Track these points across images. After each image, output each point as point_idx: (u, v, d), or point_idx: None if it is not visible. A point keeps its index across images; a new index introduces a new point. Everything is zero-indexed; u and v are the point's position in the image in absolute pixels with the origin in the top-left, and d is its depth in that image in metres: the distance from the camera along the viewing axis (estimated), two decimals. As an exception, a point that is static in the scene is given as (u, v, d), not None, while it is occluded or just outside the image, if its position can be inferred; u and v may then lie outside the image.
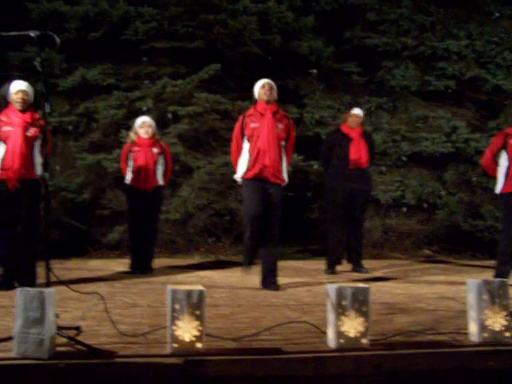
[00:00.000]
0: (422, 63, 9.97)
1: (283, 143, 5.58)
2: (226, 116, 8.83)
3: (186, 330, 3.23)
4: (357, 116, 6.83)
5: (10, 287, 5.26)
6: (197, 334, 3.24)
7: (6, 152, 5.22)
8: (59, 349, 3.25)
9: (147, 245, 6.72)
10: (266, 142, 5.40)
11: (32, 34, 3.72)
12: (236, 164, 5.66)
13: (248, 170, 5.52)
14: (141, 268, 6.57)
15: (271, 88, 5.54)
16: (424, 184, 9.31)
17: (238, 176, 5.60)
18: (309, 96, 9.60)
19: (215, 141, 9.04)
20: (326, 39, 9.84)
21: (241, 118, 5.65)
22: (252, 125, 5.48)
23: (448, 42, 9.85)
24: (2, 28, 8.63)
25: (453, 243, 9.16)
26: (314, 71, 9.87)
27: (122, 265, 6.77)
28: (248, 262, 5.63)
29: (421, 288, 5.80)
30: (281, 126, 5.52)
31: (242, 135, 5.56)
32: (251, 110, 5.61)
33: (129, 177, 6.65)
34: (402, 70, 9.78)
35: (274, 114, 5.51)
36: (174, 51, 9.18)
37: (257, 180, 5.49)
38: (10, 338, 3.23)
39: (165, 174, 6.74)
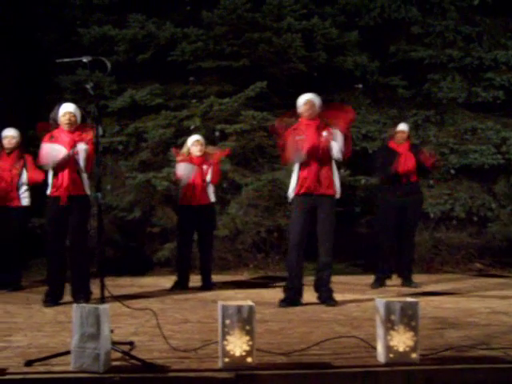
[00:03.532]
0: (469, 74, 9.86)
1: (335, 149, 5.56)
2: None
3: (237, 345, 3.28)
4: (403, 132, 6.96)
5: (55, 303, 5.44)
6: (247, 348, 3.29)
7: (56, 170, 5.47)
8: (114, 363, 3.35)
9: (205, 262, 6.89)
10: (309, 154, 5.47)
11: (85, 59, 3.88)
12: (290, 155, 5.55)
13: (297, 183, 5.58)
14: (203, 285, 6.78)
15: (312, 105, 5.64)
16: (474, 197, 9.17)
17: (290, 192, 5.66)
18: (355, 111, 9.57)
19: (262, 158, 9.11)
20: (370, 54, 9.84)
21: (289, 130, 5.67)
22: (297, 137, 5.55)
23: (495, 52, 9.72)
24: (55, 52, 8.95)
25: (506, 256, 8.96)
26: (360, 86, 9.87)
27: (172, 282, 6.88)
28: (288, 287, 5.64)
29: (472, 302, 5.71)
30: (325, 133, 5.56)
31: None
32: (296, 125, 5.69)
33: (180, 194, 6.85)
34: (449, 82, 9.69)
35: (318, 127, 5.58)
36: (220, 70, 9.32)
37: (306, 196, 5.53)
38: (67, 353, 3.35)
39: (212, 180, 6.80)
